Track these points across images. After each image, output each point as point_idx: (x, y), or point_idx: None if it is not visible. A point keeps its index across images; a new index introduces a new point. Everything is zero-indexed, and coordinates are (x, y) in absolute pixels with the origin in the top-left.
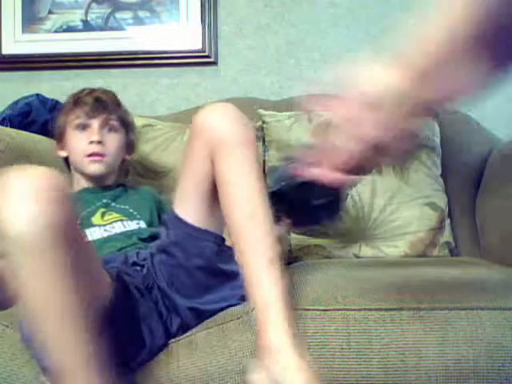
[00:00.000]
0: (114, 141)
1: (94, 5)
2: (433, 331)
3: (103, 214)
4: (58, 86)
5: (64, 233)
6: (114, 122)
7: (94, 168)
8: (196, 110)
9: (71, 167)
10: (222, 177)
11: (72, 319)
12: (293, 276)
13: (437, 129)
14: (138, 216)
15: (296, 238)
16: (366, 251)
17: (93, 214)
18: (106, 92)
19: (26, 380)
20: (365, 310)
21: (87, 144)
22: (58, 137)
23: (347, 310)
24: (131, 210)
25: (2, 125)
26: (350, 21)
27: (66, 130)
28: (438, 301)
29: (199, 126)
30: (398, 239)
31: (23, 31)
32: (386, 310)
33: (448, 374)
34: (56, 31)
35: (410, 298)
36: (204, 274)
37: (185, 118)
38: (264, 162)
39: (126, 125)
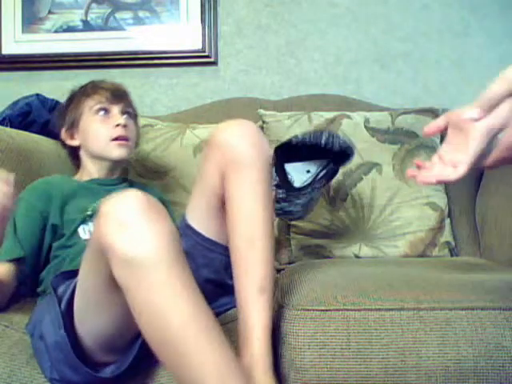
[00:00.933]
0: (133, 127)
1: (93, 5)
2: (433, 331)
3: None
4: (58, 86)
5: (180, 244)
6: (131, 111)
7: (120, 152)
8: (196, 109)
9: (83, 156)
10: (229, 196)
11: (208, 326)
12: (293, 276)
13: None
14: None
15: (296, 238)
16: (366, 251)
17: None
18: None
19: (27, 381)
20: (365, 310)
21: (112, 128)
22: (70, 125)
23: (347, 310)
24: None
25: (2, 125)
26: (349, 21)
27: (81, 116)
28: (437, 301)
29: (216, 141)
30: (398, 239)
31: (23, 31)
32: (386, 310)
33: (448, 374)
34: (56, 31)
35: (409, 298)
36: (212, 286)
37: (185, 118)
38: None
39: (136, 117)
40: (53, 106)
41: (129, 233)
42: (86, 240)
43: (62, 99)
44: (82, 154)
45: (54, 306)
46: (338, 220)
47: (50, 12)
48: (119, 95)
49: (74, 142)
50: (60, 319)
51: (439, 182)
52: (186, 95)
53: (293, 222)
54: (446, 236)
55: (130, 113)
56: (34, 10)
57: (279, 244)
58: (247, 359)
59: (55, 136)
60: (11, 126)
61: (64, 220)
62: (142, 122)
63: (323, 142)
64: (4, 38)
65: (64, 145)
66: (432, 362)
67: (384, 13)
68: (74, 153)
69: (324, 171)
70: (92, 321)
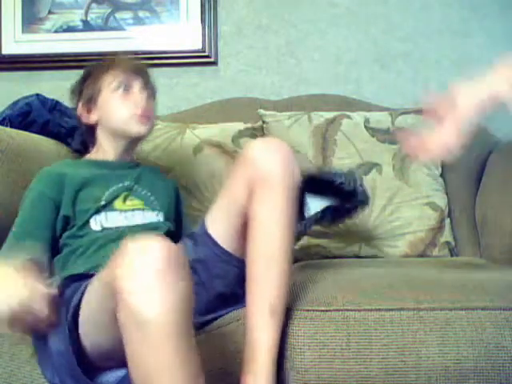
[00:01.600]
0: (152, 104)
1: (93, 5)
2: (433, 331)
3: (125, 198)
4: (58, 86)
5: (190, 312)
6: (151, 86)
7: (140, 128)
8: (196, 109)
9: (100, 133)
10: (252, 212)
11: None
12: (293, 276)
13: None
14: (158, 207)
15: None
16: (366, 251)
17: (116, 196)
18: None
19: (27, 380)
20: (365, 310)
21: (133, 105)
22: (87, 100)
23: (347, 310)
24: (152, 198)
25: (2, 125)
26: (350, 21)
27: (100, 92)
28: (438, 301)
29: (248, 157)
30: (398, 239)
31: (23, 31)
32: (386, 310)
33: (448, 375)
34: (56, 31)
35: (409, 298)
36: (223, 298)
37: (185, 117)
38: None
39: (155, 95)
40: (53, 105)
41: (143, 287)
42: (96, 231)
43: (62, 99)
44: (100, 131)
45: (61, 314)
46: None
47: (50, 12)
48: (139, 71)
49: (92, 118)
50: (66, 331)
51: (437, 154)
52: (186, 95)
53: None
54: (446, 236)
55: (150, 89)
56: (34, 10)
57: None
58: (251, 378)
59: (55, 136)
60: (11, 126)
61: (76, 210)
62: None
63: (346, 183)
64: (4, 38)
65: (79, 121)
66: (432, 363)
67: (384, 13)
68: (89, 130)
69: (337, 211)
70: (95, 334)
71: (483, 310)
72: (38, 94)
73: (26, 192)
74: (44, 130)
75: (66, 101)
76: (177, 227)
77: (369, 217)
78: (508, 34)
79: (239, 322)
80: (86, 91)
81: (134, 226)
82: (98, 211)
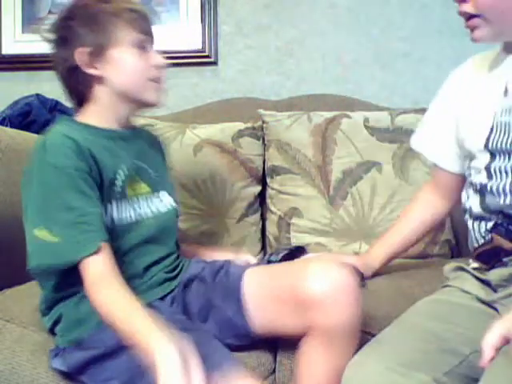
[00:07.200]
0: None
1: None
2: None
3: (133, 181)
4: (58, 86)
5: None
6: None
7: (157, 97)
8: (196, 109)
9: (102, 94)
10: (308, 357)
11: None
12: None
13: None
14: (160, 186)
15: (296, 237)
16: (367, 249)
17: (127, 179)
18: None
19: (28, 379)
20: None
21: (149, 66)
22: (94, 51)
23: None
24: (155, 176)
25: (2, 125)
26: (350, 21)
27: (115, 44)
28: None
29: (310, 298)
30: None
31: (23, 31)
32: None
33: None
34: None
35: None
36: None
37: (185, 118)
38: (264, 161)
39: None
40: (53, 105)
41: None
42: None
43: (62, 99)
44: (102, 90)
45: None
46: (338, 218)
47: (49, 12)
48: (150, 28)
49: (95, 72)
50: None
51: None
52: (186, 95)
53: (293, 221)
54: (447, 234)
55: None
56: (34, 9)
57: (279, 242)
58: None
59: None
60: (11, 126)
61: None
62: (141, 121)
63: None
64: (4, 38)
65: (70, 72)
66: None
67: (384, 13)
68: (87, 84)
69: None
70: None
71: None
72: (37, 94)
73: (39, 175)
74: (44, 129)
75: (66, 101)
76: None
77: (369, 215)
78: None
79: None
80: (89, 37)
81: (145, 222)
82: (114, 196)
